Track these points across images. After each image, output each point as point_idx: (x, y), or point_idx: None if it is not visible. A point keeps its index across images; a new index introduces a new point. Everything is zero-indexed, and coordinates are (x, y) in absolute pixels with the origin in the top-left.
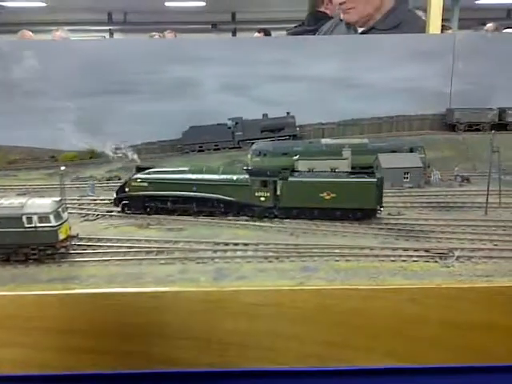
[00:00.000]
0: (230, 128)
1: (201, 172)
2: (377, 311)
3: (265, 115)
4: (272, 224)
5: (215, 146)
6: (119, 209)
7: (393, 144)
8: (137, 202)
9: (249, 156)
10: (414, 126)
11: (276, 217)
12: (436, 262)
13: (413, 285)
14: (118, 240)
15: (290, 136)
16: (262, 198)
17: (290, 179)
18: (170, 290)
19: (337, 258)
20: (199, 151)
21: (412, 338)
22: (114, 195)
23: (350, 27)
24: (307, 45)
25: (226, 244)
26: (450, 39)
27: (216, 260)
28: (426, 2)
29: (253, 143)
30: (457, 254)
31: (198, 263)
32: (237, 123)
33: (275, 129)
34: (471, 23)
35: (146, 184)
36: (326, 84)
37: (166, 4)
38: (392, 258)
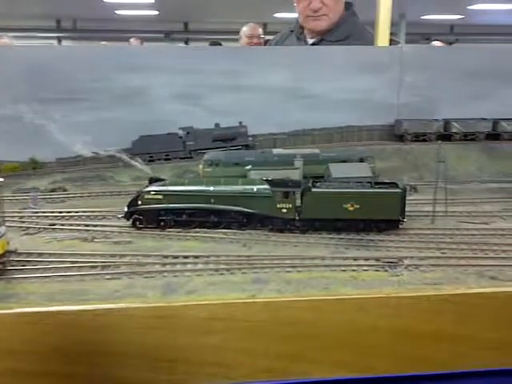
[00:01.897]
0: (181, 137)
1: (219, 183)
2: (328, 322)
3: (217, 125)
4: (224, 235)
5: (166, 155)
6: (130, 223)
7: (343, 154)
8: (150, 216)
9: (200, 166)
10: (363, 136)
11: (298, 229)
12: (386, 270)
13: (363, 294)
14: (61, 255)
15: (242, 146)
16: (284, 210)
17: (314, 190)
18: (116, 306)
19: (288, 269)
20: (149, 161)
21: (363, 348)
22: (125, 209)
23: (301, 38)
24: (259, 55)
25: (176, 257)
26: (397, 52)
27: (165, 274)
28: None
29: (204, 153)
30: (406, 262)
31: (145, 277)
32: (188, 133)
33: (227, 138)
34: (417, 38)
35: (160, 196)
36: (277, 94)
37: (117, 12)
38: (343, 268)
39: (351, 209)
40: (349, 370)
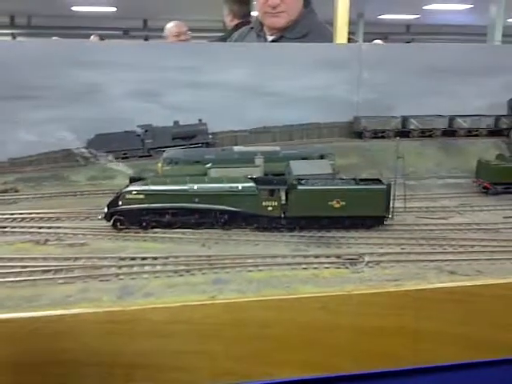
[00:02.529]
0: (139, 135)
1: (203, 182)
2: (290, 321)
3: (176, 122)
4: (182, 235)
5: (124, 154)
6: (110, 224)
7: (304, 151)
8: (132, 217)
9: (159, 164)
10: (323, 133)
11: (283, 227)
12: (347, 268)
13: (324, 292)
14: (11, 259)
15: (202, 143)
16: (270, 208)
17: (300, 187)
18: (69, 312)
19: (249, 268)
20: (107, 160)
21: (325, 347)
22: (105, 210)
23: (261, 35)
24: (219, 51)
25: (133, 259)
26: (356, 49)
27: (121, 277)
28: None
29: (163, 151)
30: (366, 259)
31: (100, 281)
32: (146, 130)
33: (187, 136)
34: (375, 37)
35: (142, 196)
36: (238, 91)
37: (73, 8)
38: (304, 266)
39: (337, 206)
40: (311, 369)
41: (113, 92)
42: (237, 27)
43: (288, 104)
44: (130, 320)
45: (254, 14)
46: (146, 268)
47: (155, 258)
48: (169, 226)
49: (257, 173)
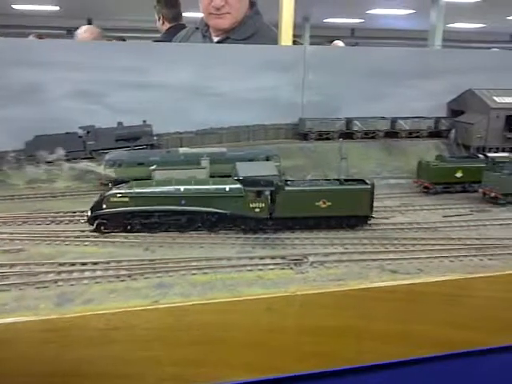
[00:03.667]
0: (81, 137)
1: (189, 183)
2: (234, 324)
3: (120, 123)
4: (125, 239)
5: (65, 156)
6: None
7: (250, 153)
8: (116, 220)
9: (102, 167)
10: (269, 135)
11: (270, 228)
12: (291, 268)
13: (269, 294)
14: None
15: (146, 145)
16: (257, 209)
17: (287, 188)
18: (4, 321)
19: (194, 272)
20: (47, 162)
21: (270, 348)
22: (89, 213)
23: (206, 36)
24: (163, 52)
25: (73, 264)
26: (301, 51)
27: (59, 283)
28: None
29: (106, 153)
30: (311, 259)
31: (37, 288)
32: (89, 132)
33: (131, 138)
34: (321, 40)
35: (127, 199)
36: (183, 92)
37: (14, 6)
38: (249, 268)
39: (323, 206)
40: (257, 371)
41: (54, 92)
42: (169, 31)
43: (234, 105)
44: (68, 328)
45: (188, 15)
46: (86, 274)
47: (96, 263)
48: (154, 228)
49: (202, 175)
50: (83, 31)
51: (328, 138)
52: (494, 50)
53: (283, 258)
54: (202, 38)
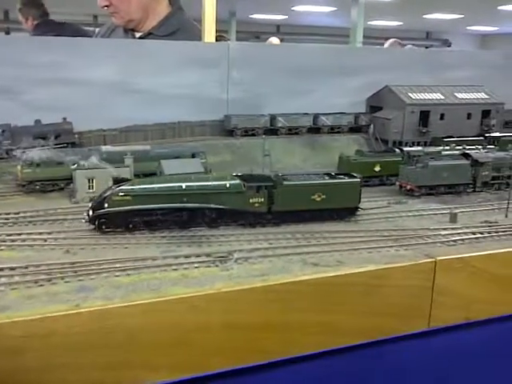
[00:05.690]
0: None
1: (190, 180)
2: (159, 325)
3: (37, 121)
4: (44, 242)
5: None
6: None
7: (175, 150)
8: (118, 219)
9: (18, 167)
10: (195, 131)
11: (269, 221)
12: (217, 266)
13: (194, 292)
14: None
15: (67, 144)
16: (257, 204)
17: (285, 183)
18: None
19: (117, 273)
20: None
21: (196, 347)
22: (90, 213)
23: (128, 32)
24: (83, 47)
25: None
26: (225, 48)
27: None
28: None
29: (24, 152)
30: (236, 256)
31: None
32: (3, 131)
33: (50, 136)
34: (248, 36)
35: (129, 198)
36: (105, 89)
37: None
38: (174, 267)
39: (318, 199)
40: (183, 371)
41: None
42: (39, 25)
43: (159, 102)
44: None
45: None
46: (2, 280)
47: (13, 269)
48: (156, 226)
49: (126, 173)
50: None
51: (254, 134)
52: (409, 46)
53: (208, 255)
54: (124, 34)
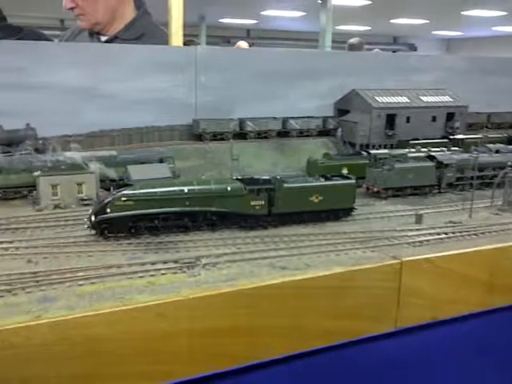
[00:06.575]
0: None
1: (191, 184)
2: (124, 334)
3: None
4: (5, 252)
5: None
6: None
7: (142, 155)
8: (121, 224)
9: None
10: (163, 136)
11: (269, 223)
12: (184, 272)
13: (161, 300)
14: None
15: (30, 150)
16: (258, 207)
17: (285, 185)
18: None
19: (80, 282)
20: None
21: (163, 354)
22: (92, 218)
23: (93, 35)
24: (46, 51)
25: None
26: (192, 52)
27: None
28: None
29: None
30: (203, 261)
31: None
32: None
33: (12, 142)
34: (218, 40)
35: (132, 202)
36: (70, 94)
37: None
38: (140, 274)
39: (316, 201)
40: (151, 379)
41: None
42: None
43: (126, 107)
44: None
45: None
46: None
47: None
48: (158, 230)
49: (91, 179)
50: None
51: (223, 139)
52: (377, 50)
53: (176, 261)
54: (89, 38)
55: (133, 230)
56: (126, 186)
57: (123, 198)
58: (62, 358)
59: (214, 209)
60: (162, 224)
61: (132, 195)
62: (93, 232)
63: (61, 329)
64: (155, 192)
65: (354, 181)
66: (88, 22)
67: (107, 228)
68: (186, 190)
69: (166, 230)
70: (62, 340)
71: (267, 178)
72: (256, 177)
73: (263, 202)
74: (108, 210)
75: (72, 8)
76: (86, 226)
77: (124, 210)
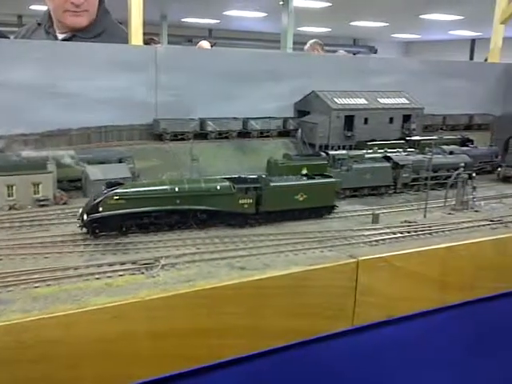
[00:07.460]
0: None
1: (182, 183)
2: (80, 337)
3: None
4: None
5: None
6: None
7: (101, 155)
8: (112, 222)
9: None
10: (123, 136)
11: (257, 221)
12: (142, 273)
13: (117, 301)
14: None
15: None
16: (246, 206)
17: (272, 184)
18: None
19: (36, 285)
20: None
21: (121, 357)
22: (84, 217)
23: (50, 32)
24: (3, 48)
25: None
26: (152, 52)
27: None
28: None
29: None
30: (162, 262)
31: None
32: None
33: None
34: (180, 39)
35: (123, 201)
36: (26, 92)
37: None
38: (97, 276)
39: (301, 199)
40: (109, 382)
41: None
42: None
43: (85, 105)
44: None
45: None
46: None
47: None
48: (149, 228)
49: (49, 179)
50: None
51: (183, 139)
52: (342, 52)
53: (134, 262)
54: (46, 35)
55: (124, 229)
56: (118, 185)
57: (116, 197)
58: (17, 361)
59: (203, 207)
60: (153, 222)
61: (124, 194)
62: (84, 230)
63: (15, 332)
64: (147, 190)
65: (336, 180)
66: (88, 18)
67: (99, 227)
68: (176, 189)
69: (158, 228)
70: (16, 343)
71: (254, 176)
72: (243, 176)
73: (251, 201)
74: (100, 209)
75: (80, 3)
76: (77, 226)
77: (116, 209)
